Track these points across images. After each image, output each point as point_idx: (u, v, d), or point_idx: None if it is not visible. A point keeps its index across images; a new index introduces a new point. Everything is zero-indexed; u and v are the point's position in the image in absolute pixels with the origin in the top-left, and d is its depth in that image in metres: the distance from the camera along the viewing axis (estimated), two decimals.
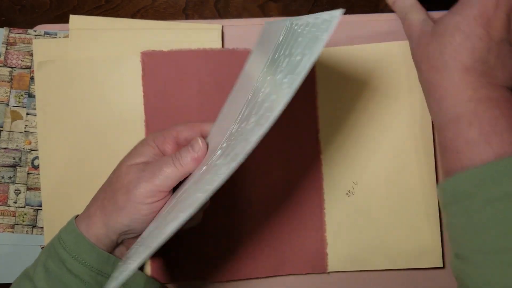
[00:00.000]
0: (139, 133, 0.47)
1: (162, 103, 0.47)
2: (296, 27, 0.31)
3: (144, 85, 0.47)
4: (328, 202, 0.47)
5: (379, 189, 0.47)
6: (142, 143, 0.40)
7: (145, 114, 0.47)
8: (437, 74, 0.38)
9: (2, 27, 0.48)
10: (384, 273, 0.47)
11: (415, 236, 0.46)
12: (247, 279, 0.47)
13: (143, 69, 0.47)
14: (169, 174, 0.36)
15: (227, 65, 0.46)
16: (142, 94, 0.47)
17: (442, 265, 0.46)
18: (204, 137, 0.38)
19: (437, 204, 0.47)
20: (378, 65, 0.48)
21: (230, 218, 0.46)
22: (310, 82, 0.47)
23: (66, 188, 0.47)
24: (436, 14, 0.49)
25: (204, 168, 0.33)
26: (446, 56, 0.37)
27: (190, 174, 0.37)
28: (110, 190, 0.38)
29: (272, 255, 0.46)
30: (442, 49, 0.38)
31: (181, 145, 0.39)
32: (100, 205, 0.38)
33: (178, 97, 0.47)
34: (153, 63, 0.47)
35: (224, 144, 0.32)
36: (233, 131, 0.32)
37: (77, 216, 0.40)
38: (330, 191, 0.47)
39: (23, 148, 0.48)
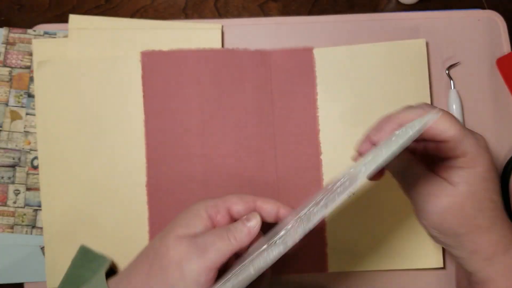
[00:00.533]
0: (139, 133, 0.47)
1: (162, 103, 0.46)
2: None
3: (143, 85, 0.47)
4: None
5: (380, 189, 0.47)
6: (193, 213, 0.36)
7: (144, 114, 0.47)
8: (485, 231, 0.35)
9: (2, 27, 0.48)
10: (384, 273, 0.47)
11: (415, 237, 0.46)
12: None
13: (143, 69, 0.47)
14: (222, 248, 0.33)
15: (227, 65, 0.46)
16: (142, 94, 0.47)
17: (442, 266, 0.46)
18: (258, 211, 0.36)
19: None
20: (378, 65, 0.48)
21: None
22: (310, 83, 0.47)
23: (65, 188, 0.46)
24: (436, 14, 0.50)
25: (265, 246, 0.33)
26: (487, 210, 0.35)
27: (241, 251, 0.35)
28: (158, 264, 0.34)
29: None
30: (480, 206, 0.34)
31: (234, 218, 0.37)
32: (145, 280, 0.34)
33: (178, 97, 0.46)
34: (153, 63, 0.47)
35: (289, 226, 0.32)
36: (301, 214, 0.32)
37: (109, 277, 0.36)
38: None
39: (23, 148, 0.48)
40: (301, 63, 0.47)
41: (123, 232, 0.46)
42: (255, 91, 0.47)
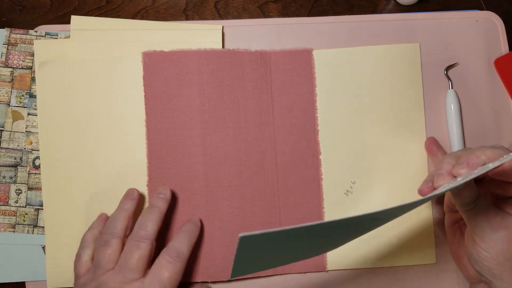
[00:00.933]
0: (140, 133, 0.47)
1: (163, 103, 0.47)
2: None
3: (145, 85, 0.47)
4: (327, 202, 0.47)
5: (376, 188, 0.47)
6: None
7: (145, 114, 0.47)
8: None
9: (3, 28, 0.49)
10: (381, 269, 0.48)
11: (410, 234, 0.47)
12: (248, 278, 0.47)
13: (144, 69, 0.47)
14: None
15: (227, 65, 0.47)
16: (143, 94, 0.47)
17: (435, 261, 0.48)
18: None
19: (431, 204, 0.48)
20: (375, 67, 0.48)
21: (231, 219, 0.47)
22: (309, 84, 0.48)
23: (67, 188, 0.47)
24: (434, 15, 0.50)
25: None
26: None
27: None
28: None
29: None
30: None
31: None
32: None
33: (179, 97, 0.47)
34: (154, 64, 0.47)
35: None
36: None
37: None
38: (329, 191, 0.47)
39: (24, 148, 0.48)
40: (300, 64, 0.48)
41: None
42: (255, 91, 0.47)
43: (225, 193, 0.46)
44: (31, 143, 0.48)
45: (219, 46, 0.48)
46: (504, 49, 0.50)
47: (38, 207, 0.47)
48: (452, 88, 0.49)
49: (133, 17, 0.51)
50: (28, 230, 0.47)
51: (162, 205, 0.43)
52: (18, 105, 0.48)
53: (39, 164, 0.47)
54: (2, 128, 0.48)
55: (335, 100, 0.48)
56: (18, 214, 0.47)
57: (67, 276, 0.46)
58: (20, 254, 0.47)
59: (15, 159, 0.48)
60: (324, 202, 0.47)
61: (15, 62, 0.48)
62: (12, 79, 0.48)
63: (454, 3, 0.52)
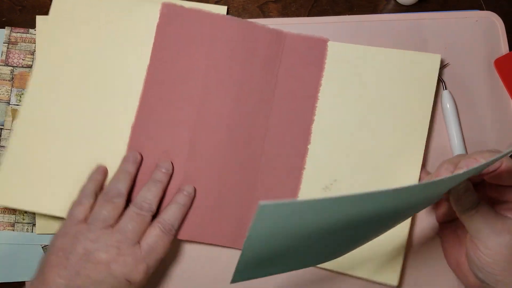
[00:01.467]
0: (140, 75, 0.47)
1: (169, 56, 0.47)
2: None
3: (156, 34, 0.47)
4: (303, 192, 0.47)
5: (356, 192, 0.46)
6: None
7: (150, 59, 0.47)
8: None
9: (3, 28, 0.49)
10: (340, 276, 0.46)
11: (379, 248, 0.45)
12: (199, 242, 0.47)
13: (160, 18, 0.47)
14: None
15: (242, 35, 0.47)
16: (153, 40, 0.47)
17: (396, 284, 0.45)
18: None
19: (409, 222, 0.45)
20: (387, 70, 0.47)
21: (207, 187, 0.46)
22: (317, 73, 0.48)
23: (47, 118, 0.46)
24: (434, 15, 0.50)
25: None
26: None
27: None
28: None
29: (237, 231, 0.46)
30: None
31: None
32: None
33: (186, 55, 0.47)
34: (171, 16, 0.47)
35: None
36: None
37: None
38: (308, 182, 0.47)
39: None
40: (313, 51, 0.48)
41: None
42: (263, 68, 0.47)
43: (207, 162, 0.46)
44: None
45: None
46: (504, 49, 0.50)
47: None
48: (446, 89, 0.48)
49: None
50: (27, 228, 0.47)
51: (164, 180, 0.45)
52: (18, 104, 0.48)
53: None
54: (2, 127, 0.48)
55: (338, 95, 0.47)
56: (17, 212, 0.47)
57: (15, 195, 0.45)
58: (20, 254, 0.47)
59: None
60: (300, 191, 0.47)
61: (15, 60, 0.48)
62: (12, 78, 0.48)
63: (454, 3, 0.52)
